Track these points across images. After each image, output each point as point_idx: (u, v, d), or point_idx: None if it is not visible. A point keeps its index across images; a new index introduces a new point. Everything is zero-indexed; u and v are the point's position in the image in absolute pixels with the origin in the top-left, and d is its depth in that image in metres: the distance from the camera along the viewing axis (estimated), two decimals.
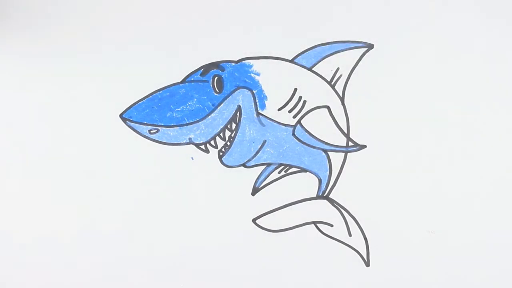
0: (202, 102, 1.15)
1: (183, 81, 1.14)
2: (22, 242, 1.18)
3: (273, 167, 1.17)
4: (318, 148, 1.17)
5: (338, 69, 1.14)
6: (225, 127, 1.15)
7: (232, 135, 1.15)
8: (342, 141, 1.16)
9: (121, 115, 1.14)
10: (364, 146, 1.16)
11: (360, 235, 1.18)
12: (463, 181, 1.12)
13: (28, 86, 1.13)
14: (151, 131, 1.14)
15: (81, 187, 1.16)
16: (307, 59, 1.14)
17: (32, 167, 1.15)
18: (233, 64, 1.14)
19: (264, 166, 1.17)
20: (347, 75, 1.13)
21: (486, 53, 1.12)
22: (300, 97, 1.14)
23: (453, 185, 1.12)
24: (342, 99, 1.14)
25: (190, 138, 1.15)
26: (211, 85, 1.15)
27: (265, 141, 1.16)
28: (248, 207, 1.17)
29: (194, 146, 1.15)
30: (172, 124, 1.15)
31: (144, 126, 1.14)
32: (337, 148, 1.16)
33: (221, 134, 1.15)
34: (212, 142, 1.15)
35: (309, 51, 1.14)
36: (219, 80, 1.14)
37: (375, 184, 1.16)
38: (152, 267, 1.18)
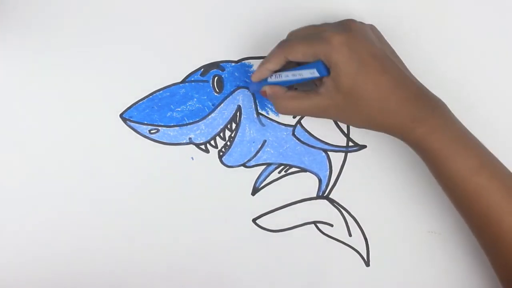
0: (202, 102, 1.15)
1: (183, 81, 1.14)
2: (21, 242, 1.17)
3: (273, 167, 1.17)
4: (318, 148, 1.17)
5: None
6: (225, 127, 1.15)
7: (232, 135, 1.15)
8: (342, 141, 1.16)
9: (121, 115, 1.13)
10: (364, 146, 1.16)
11: (360, 235, 1.18)
12: None
13: (27, 86, 1.13)
14: (151, 131, 1.14)
15: (81, 187, 1.15)
16: None
17: (31, 167, 1.15)
18: (233, 64, 1.13)
19: (264, 166, 1.16)
20: None
21: (488, 52, 1.12)
22: None
23: None
24: None
25: (190, 138, 1.15)
26: (211, 85, 1.14)
27: (265, 141, 1.16)
28: (248, 207, 1.17)
29: (194, 146, 1.15)
30: (172, 124, 1.14)
31: (144, 126, 1.14)
32: (337, 148, 1.16)
33: (221, 134, 1.15)
34: (212, 142, 1.15)
35: None
36: (219, 80, 1.14)
37: (375, 184, 1.16)
38: (152, 267, 1.18)
